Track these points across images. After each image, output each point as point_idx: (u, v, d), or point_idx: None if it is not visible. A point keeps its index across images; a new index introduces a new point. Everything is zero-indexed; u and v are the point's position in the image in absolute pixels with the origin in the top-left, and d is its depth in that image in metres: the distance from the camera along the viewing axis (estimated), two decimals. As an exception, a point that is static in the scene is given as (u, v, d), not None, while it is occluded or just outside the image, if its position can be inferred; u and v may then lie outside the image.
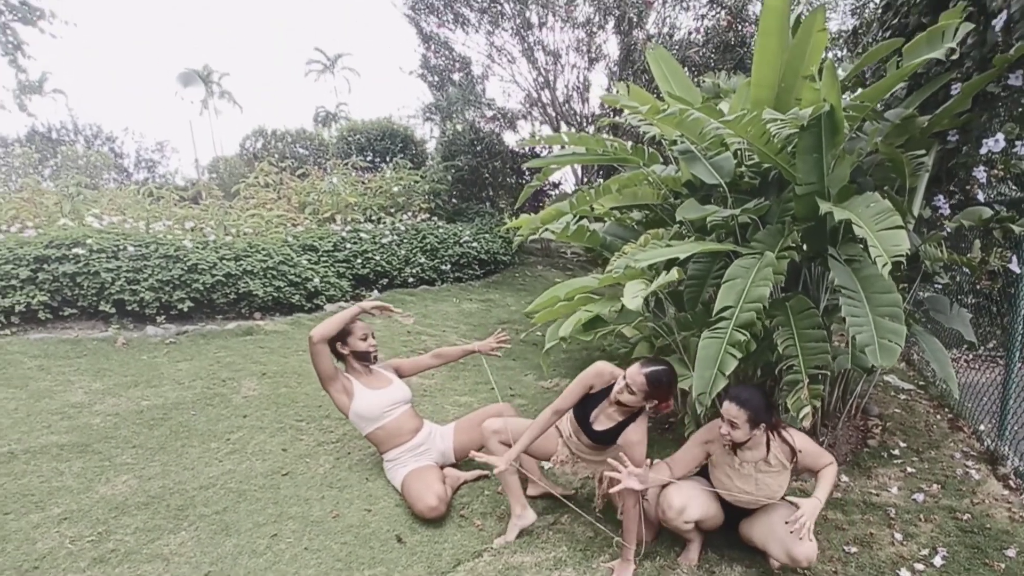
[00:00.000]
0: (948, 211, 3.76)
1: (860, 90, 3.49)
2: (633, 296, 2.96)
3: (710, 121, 3.16)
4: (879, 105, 3.46)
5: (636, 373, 2.66)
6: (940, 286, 3.99)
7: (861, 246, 3.19)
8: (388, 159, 11.77)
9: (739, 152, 3.84)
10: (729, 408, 2.57)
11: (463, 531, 3.11)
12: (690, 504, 2.70)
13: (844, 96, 3.36)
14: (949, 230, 3.66)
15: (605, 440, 2.86)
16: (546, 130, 12.06)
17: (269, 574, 2.70)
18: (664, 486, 2.81)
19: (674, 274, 3.07)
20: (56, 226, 6.14)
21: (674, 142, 3.97)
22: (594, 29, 10.64)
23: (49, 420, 3.87)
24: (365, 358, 3.60)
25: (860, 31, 5.57)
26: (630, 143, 4.40)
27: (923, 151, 3.34)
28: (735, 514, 2.82)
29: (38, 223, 6.46)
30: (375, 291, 7.84)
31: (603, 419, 2.89)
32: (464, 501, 3.37)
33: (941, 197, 3.80)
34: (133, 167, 24.83)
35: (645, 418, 2.85)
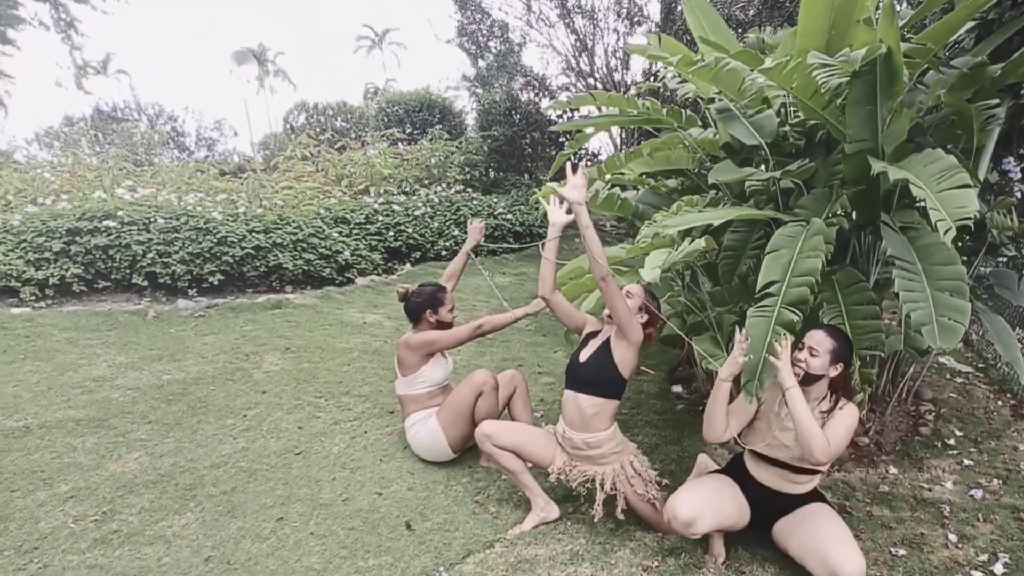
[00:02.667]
0: (1019, 175, 3.35)
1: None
2: (652, 267, 2.68)
3: (749, 72, 2.82)
4: (944, 53, 3.06)
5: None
6: (1007, 259, 3.58)
7: (918, 212, 2.83)
8: (426, 130, 11.59)
9: (783, 109, 3.49)
10: (816, 334, 2.40)
11: (476, 518, 2.95)
12: (702, 515, 2.40)
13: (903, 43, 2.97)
14: (1020, 195, 3.25)
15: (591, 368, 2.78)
16: (584, 99, 11.64)
17: (271, 560, 2.60)
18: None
19: (700, 243, 2.77)
20: (91, 199, 6.19)
21: (711, 100, 3.63)
22: (635, -11, 10.14)
23: (69, 394, 3.87)
24: (448, 327, 3.57)
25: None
26: (665, 108, 4.08)
27: (996, 102, 2.94)
28: (765, 515, 2.55)
29: (74, 196, 6.52)
30: (407, 264, 7.72)
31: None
32: (480, 486, 3.21)
33: (1011, 159, 3.38)
34: (194, 145, 25.41)
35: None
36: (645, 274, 2.70)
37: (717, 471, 2.77)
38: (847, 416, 2.35)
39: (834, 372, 2.37)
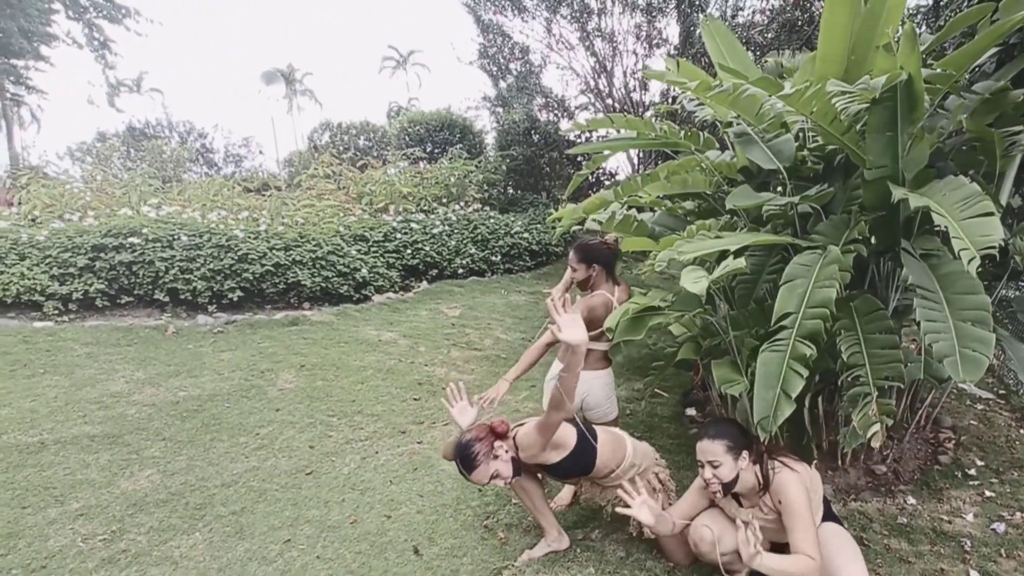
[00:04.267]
0: (1042, 200, 3.27)
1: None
2: (695, 281, 2.62)
3: (768, 97, 2.79)
4: (965, 77, 3.00)
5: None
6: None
7: (940, 238, 2.76)
8: (446, 150, 11.68)
9: (801, 134, 3.44)
10: (704, 447, 2.34)
11: (485, 544, 2.90)
12: (725, 534, 2.39)
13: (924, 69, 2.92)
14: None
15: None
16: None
17: (276, 584, 2.59)
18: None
19: (741, 262, 2.72)
20: (117, 216, 6.31)
21: (729, 124, 3.60)
22: (654, 13, 10.17)
23: (86, 409, 3.91)
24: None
25: (942, 3, 4.98)
26: (683, 131, 4.06)
27: (1019, 128, 2.87)
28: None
29: (100, 213, 6.66)
30: (424, 282, 7.74)
31: None
32: (490, 510, 3.17)
33: (1034, 184, 3.30)
34: (222, 162, 25.90)
35: None
36: (688, 285, 2.64)
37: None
38: (789, 488, 2.29)
39: (744, 463, 2.33)
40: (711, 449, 2.32)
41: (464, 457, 2.49)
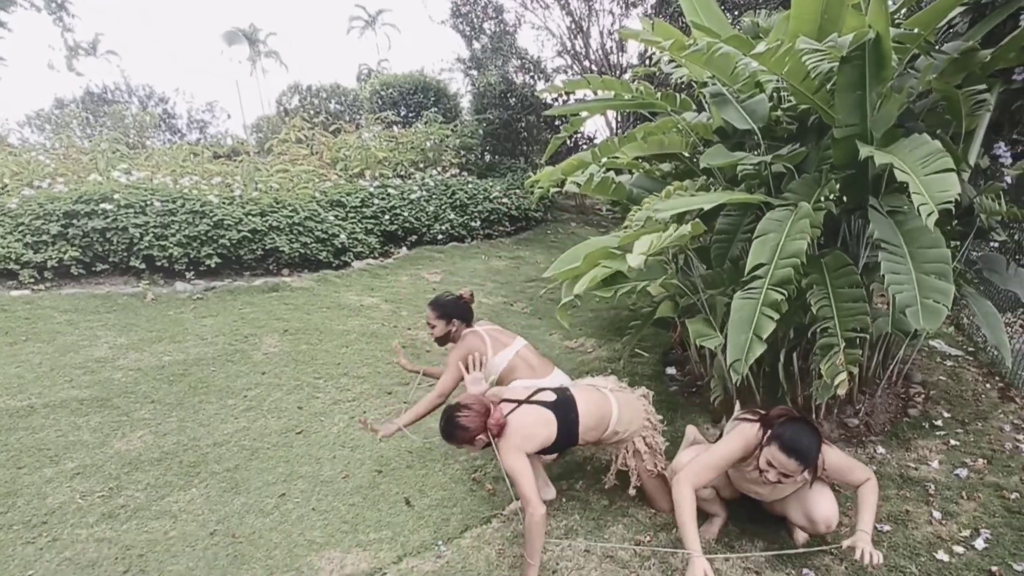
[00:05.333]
0: (1009, 160, 3.40)
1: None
2: (638, 254, 2.73)
3: (741, 56, 2.86)
4: (934, 38, 3.09)
5: None
6: (996, 244, 3.64)
7: (906, 196, 2.89)
8: (421, 113, 11.54)
9: (775, 94, 3.52)
10: (786, 462, 2.22)
11: (474, 495, 3.03)
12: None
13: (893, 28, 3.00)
14: (1010, 180, 3.31)
15: None
16: (580, 83, 11.63)
17: (275, 534, 2.68)
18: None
19: (687, 228, 2.82)
20: (86, 182, 6.19)
21: (704, 84, 3.67)
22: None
23: (72, 374, 3.92)
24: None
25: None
26: (660, 93, 4.11)
27: (984, 87, 2.98)
28: None
29: (69, 180, 6.51)
30: (404, 248, 7.75)
31: None
32: (477, 464, 3.29)
33: (1002, 145, 3.43)
34: (185, 128, 25.11)
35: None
36: (631, 260, 2.76)
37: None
38: (833, 453, 2.38)
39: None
40: (791, 467, 2.22)
41: (450, 426, 2.50)
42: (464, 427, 2.46)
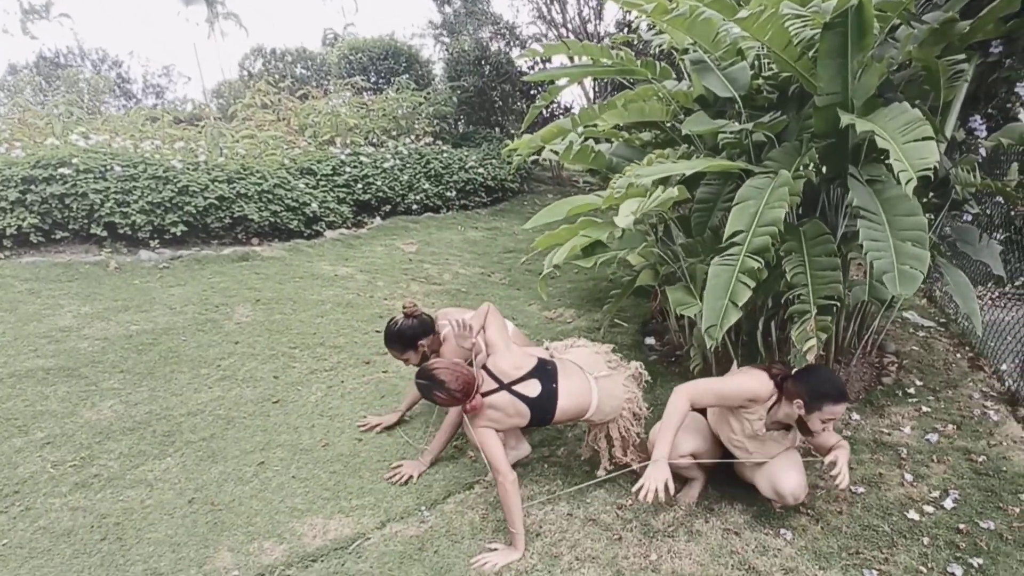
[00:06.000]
0: (985, 133, 3.46)
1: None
2: (626, 215, 2.72)
3: (724, 22, 2.83)
4: (915, 7, 3.11)
5: None
6: (970, 216, 3.72)
7: (885, 166, 2.93)
8: (391, 80, 11.28)
9: (757, 61, 3.52)
10: (839, 410, 2.30)
11: (456, 462, 3.02)
12: (683, 438, 2.54)
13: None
14: (985, 152, 3.37)
15: None
16: (557, 50, 11.48)
17: (255, 502, 2.64)
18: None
19: (674, 191, 2.82)
20: (43, 146, 5.92)
21: (686, 51, 3.64)
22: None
23: (36, 344, 3.77)
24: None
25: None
26: (640, 61, 4.06)
27: (963, 56, 3.01)
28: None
29: (26, 144, 6.22)
30: (377, 218, 7.62)
31: None
32: (458, 432, 3.27)
33: (978, 118, 3.49)
34: (141, 93, 24.13)
35: None
36: (619, 221, 2.75)
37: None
38: None
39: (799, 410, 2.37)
40: (841, 412, 2.32)
41: (427, 393, 2.45)
42: (440, 382, 2.38)
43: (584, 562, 2.34)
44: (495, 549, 2.41)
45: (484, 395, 2.46)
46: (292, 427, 3.22)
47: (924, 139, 2.39)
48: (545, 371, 2.57)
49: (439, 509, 2.66)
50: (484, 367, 2.56)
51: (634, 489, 2.25)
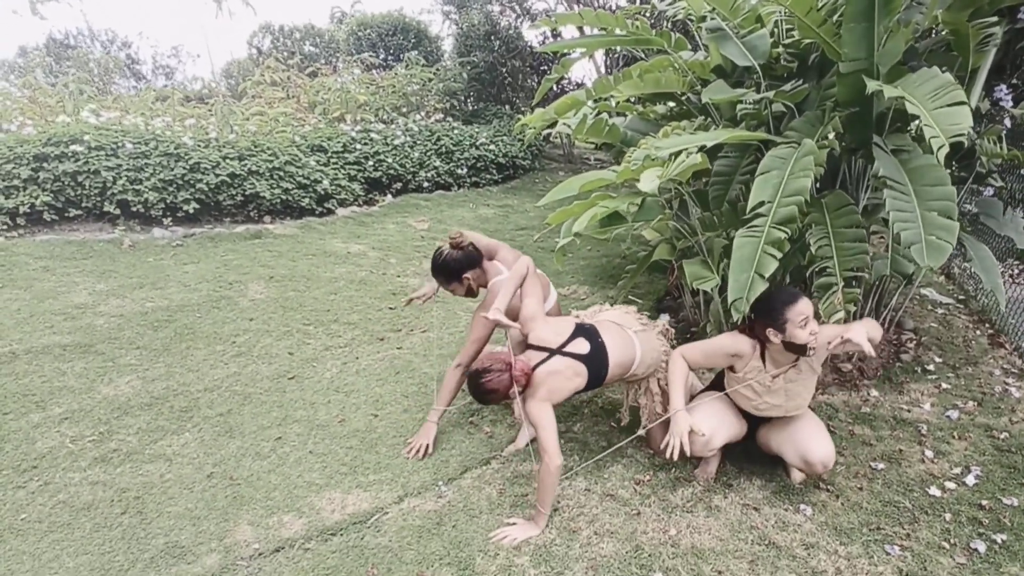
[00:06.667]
0: (1011, 103, 3.37)
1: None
2: (651, 180, 2.67)
3: (742, -14, 2.75)
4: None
5: None
6: (992, 190, 3.64)
7: (910, 135, 2.85)
8: (401, 56, 11.16)
9: (776, 29, 3.43)
10: (804, 308, 2.28)
11: (472, 438, 3.02)
12: (716, 433, 2.51)
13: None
14: (1009, 123, 3.28)
15: None
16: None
17: (273, 476, 2.65)
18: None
19: (697, 158, 2.75)
20: (55, 124, 5.90)
21: (703, 19, 3.55)
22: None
23: (52, 321, 3.79)
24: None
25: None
26: (655, 31, 3.97)
27: (994, 19, 2.90)
28: (754, 421, 2.66)
29: (37, 122, 6.21)
30: (388, 195, 7.59)
31: None
32: (474, 408, 3.27)
33: (1003, 87, 3.39)
34: (151, 74, 24.09)
35: None
36: (643, 186, 2.68)
37: (704, 389, 2.85)
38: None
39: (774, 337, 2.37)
40: (809, 309, 2.30)
41: (479, 393, 2.44)
42: (493, 390, 2.40)
43: (603, 537, 2.34)
44: (514, 523, 2.41)
45: (536, 367, 2.45)
46: (308, 403, 3.22)
47: (956, 104, 2.32)
48: (586, 330, 2.58)
49: (456, 484, 2.66)
50: (528, 344, 2.54)
51: (662, 445, 2.37)
